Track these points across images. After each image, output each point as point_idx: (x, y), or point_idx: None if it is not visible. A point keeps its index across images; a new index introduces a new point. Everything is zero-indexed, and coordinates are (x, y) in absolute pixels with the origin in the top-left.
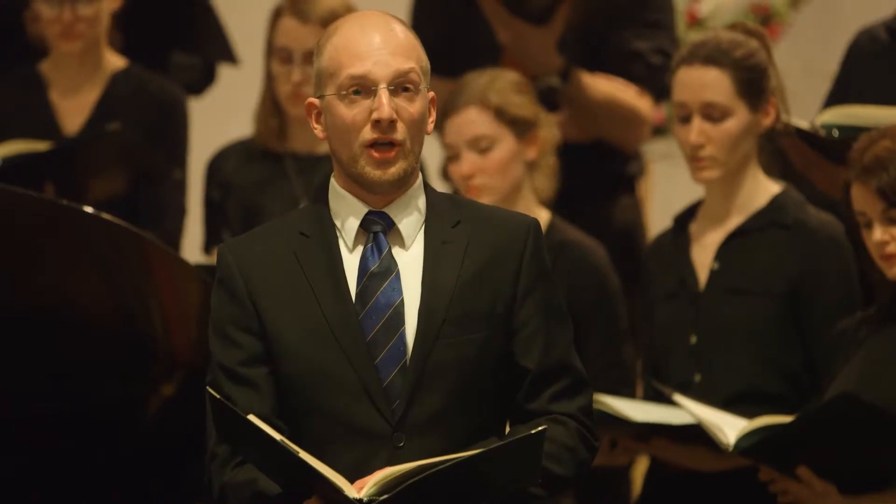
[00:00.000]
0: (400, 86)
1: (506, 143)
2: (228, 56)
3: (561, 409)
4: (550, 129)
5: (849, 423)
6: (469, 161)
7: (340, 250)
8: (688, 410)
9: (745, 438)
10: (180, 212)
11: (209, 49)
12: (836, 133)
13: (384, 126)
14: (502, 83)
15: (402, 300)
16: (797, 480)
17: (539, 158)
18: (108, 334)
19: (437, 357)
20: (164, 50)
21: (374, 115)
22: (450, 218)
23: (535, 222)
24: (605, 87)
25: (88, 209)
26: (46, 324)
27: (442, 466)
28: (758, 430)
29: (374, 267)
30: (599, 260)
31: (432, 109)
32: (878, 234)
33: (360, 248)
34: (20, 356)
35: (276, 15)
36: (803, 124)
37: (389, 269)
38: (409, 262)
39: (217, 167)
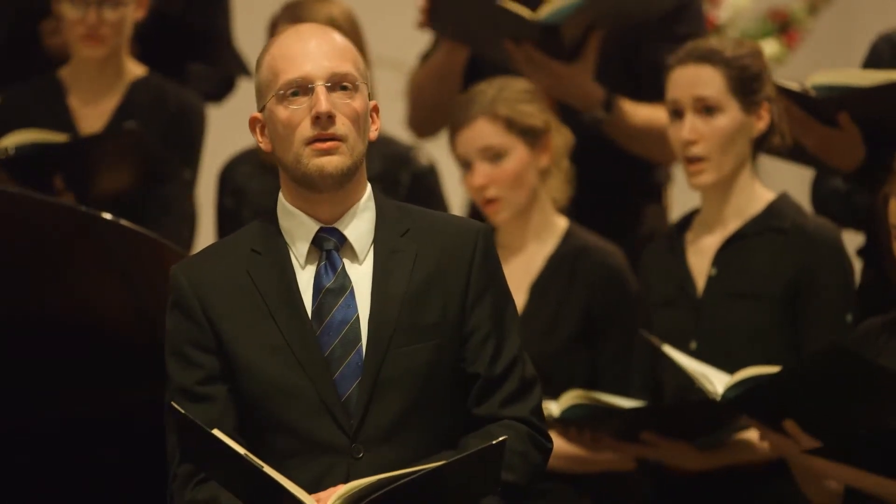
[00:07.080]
0: (337, 84)
1: (518, 153)
2: (242, 69)
3: (511, 413)
4: (562, 133)
5: (837, 374)
6: (482, 171)
7: (294, 267)
8: (676, 361)
9: (733, 389)
10: (185, 215)
11: (223, 62)
12: (825, 94)
13: (323, 121)
14: (511, 93)
15: (358, 316)
16: (783, 434)
17: (552, 165)
18: (129, 340)
19: (389, 367)
20: (180, 62)
21: (314, 111)
22: (399, 226)
23: (486, 227)
24: (644, 109)
25: (107, 215)
26: (69, 330)
27: (404, 480)
28: (745, 381)
29: (328, 284)
30: (618, 264)
31: (376, 117)
32: None
33: (313, 265)
34: (42, 363)
35: (273, 26)
36: (794, 86)
37: (344, 287)
38: (363, 275)
39: (230, 175)
